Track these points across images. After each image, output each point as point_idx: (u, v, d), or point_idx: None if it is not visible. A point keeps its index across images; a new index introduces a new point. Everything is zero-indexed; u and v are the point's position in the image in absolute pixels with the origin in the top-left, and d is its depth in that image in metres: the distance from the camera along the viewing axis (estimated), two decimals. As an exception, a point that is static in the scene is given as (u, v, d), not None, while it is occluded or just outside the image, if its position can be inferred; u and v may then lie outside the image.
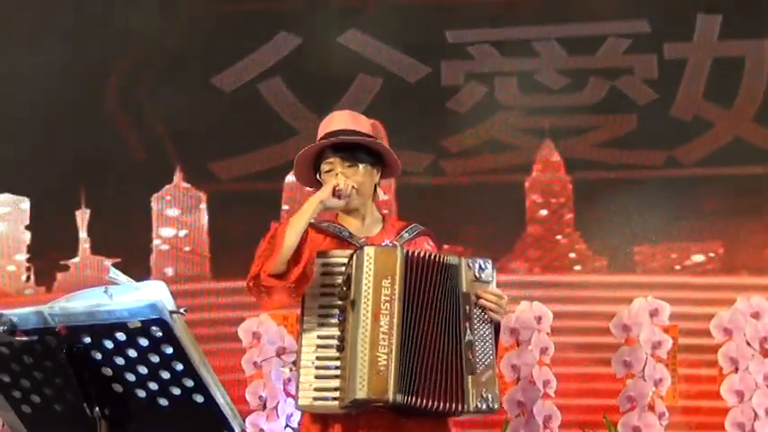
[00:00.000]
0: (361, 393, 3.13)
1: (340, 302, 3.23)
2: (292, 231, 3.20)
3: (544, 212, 5.78)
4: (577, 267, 5.74)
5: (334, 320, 3.26)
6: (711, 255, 5.70)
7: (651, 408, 4.47)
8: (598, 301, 5.30)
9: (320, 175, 3.42)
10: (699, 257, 5.70)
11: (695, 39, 5.77)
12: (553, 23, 5.86)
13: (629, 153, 5.79)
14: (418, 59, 5.84)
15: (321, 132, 3.49)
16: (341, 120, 3.50)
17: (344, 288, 3.22)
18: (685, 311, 4.93)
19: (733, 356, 4.45)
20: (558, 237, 5.77)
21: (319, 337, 3.27)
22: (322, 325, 3.28)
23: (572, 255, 5.76)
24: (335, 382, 3.22)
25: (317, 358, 3.26)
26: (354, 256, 3.23)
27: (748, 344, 4.47)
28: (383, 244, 3.35)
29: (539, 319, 4.50)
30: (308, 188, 3.64)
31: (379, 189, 3.52)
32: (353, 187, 3.32)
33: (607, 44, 5.79)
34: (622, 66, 5.83)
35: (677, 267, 5.67)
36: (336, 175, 3.36)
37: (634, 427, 4.45)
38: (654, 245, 5.70)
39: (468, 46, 5.86)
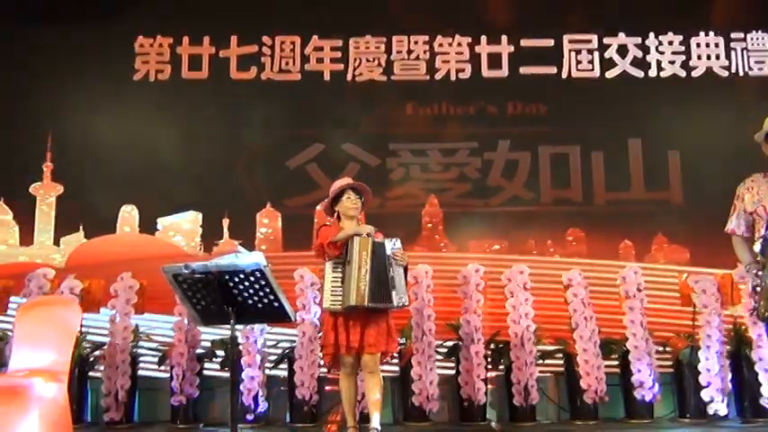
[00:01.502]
0: (352, 301, 3.78)
1: (342, 262, 3.87)
2: (339, 235, 3.84)
3: (430, 225, 6.88)
4: (444, 251, 6.80)
5: (340, 269, 3.87)
6: (502, 245, 6.86)
7: (474, 312, 5.44)
8: (453, 265, 5.97)
9: (337, 203, 4.03)
10: (496, 246, 6.85)
11: (497, 151, 7.08)
12: (433, 142, 7.08)
13: (467, 201, 6.99)
14: (376, 155, 7.07)
15: (336, 186, 4.09)
16: (349, 179, 4.19)
17: (345, 255, 3.86)
18: (491, 270, 5.69)
19: (512, 290, 5.51)
20: (436, 236, 6.88)
21: (333, 277, 3.89)
22: (335, 271, 3.90)
23: (442, 245, 6.84)
24: (340, 297, 3.84)
25: (332, 286, 3.88)
26: (350, 242, 3.84)
27: (518, 285, 5.52)
28: (363, 235, 3.87)
29: (426, 273, 5.47)
30: (327, 216, 4.19)
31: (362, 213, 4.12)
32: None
33: (459, 152, 7.09)
34: (466, 162, 7.09)
35: (488, 250, 6.79)
36: (349, 199, 3.99)
37: (465, 321, 5.42)
38: (478, 240, 6.83)
39: (399, 150, 7.11)
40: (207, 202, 6.76)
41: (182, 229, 6.77)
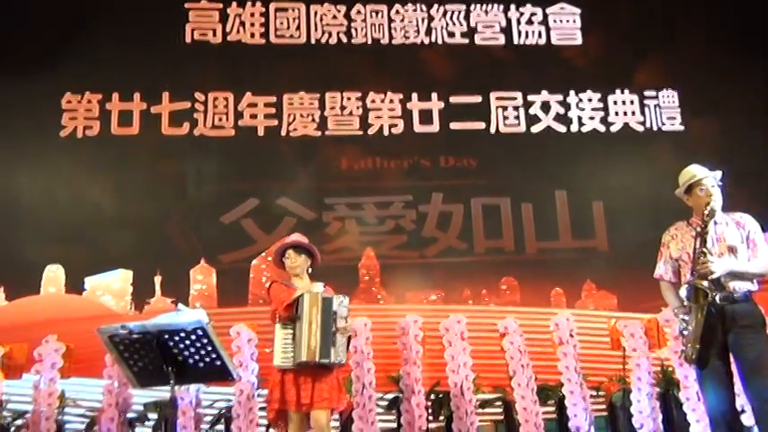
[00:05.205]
0: (303, 357, 3.80)
1: (292, 318, 3.88)
2: (289, 298, 3.85)
3: (367, 278, 6.96)
4: (382, 302, 6.90)
5: (290, 326, 3.88)
6: (439, 295, 7.00)
7: (414, 363, 5.37)
8: (391, 317, 5.99)
9: (283, 259, 4.08)
10: (433, 297, 6.97)
11: (431, 203, 7.23)
12: (368, 196, 7.18)
13: (403, 252, 7.11)
14: (312, 210, 7.10)
15: (276, 248, 4.18)
16: (295, 237, 4.39)
17: (296, 312, 3.85)
18: (428, 320, 5.59)
19: (450, 340, 5.47)
20: (373, 288, 6.97)
21: (284, 334, 3.89)
22: (285, 328, 3.91)
23: (379, 297, 6.94)
24: (291, 353, 3.84)
25: (283, 343, 3.88)
26: (300, 298, 3.87)
27: (455, 335, 5.45)
28: (312, 292, 3.91)
29: (365, 325, 5.40)
30: (277, 266, 4.15)
31: (309, 269, 4.13)
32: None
33: (394, 205, 7.23)
34: (401, 215, 7.22)
35: (425, 301, 6.93)
36: (288, 258, 4.00)
37: (405, 372, 5.35)
38: (415, 291, 6.94)
39: (334, 204, 7.15)
40: (138, 259, 6.64)
41: (111, 288, 6.61)
